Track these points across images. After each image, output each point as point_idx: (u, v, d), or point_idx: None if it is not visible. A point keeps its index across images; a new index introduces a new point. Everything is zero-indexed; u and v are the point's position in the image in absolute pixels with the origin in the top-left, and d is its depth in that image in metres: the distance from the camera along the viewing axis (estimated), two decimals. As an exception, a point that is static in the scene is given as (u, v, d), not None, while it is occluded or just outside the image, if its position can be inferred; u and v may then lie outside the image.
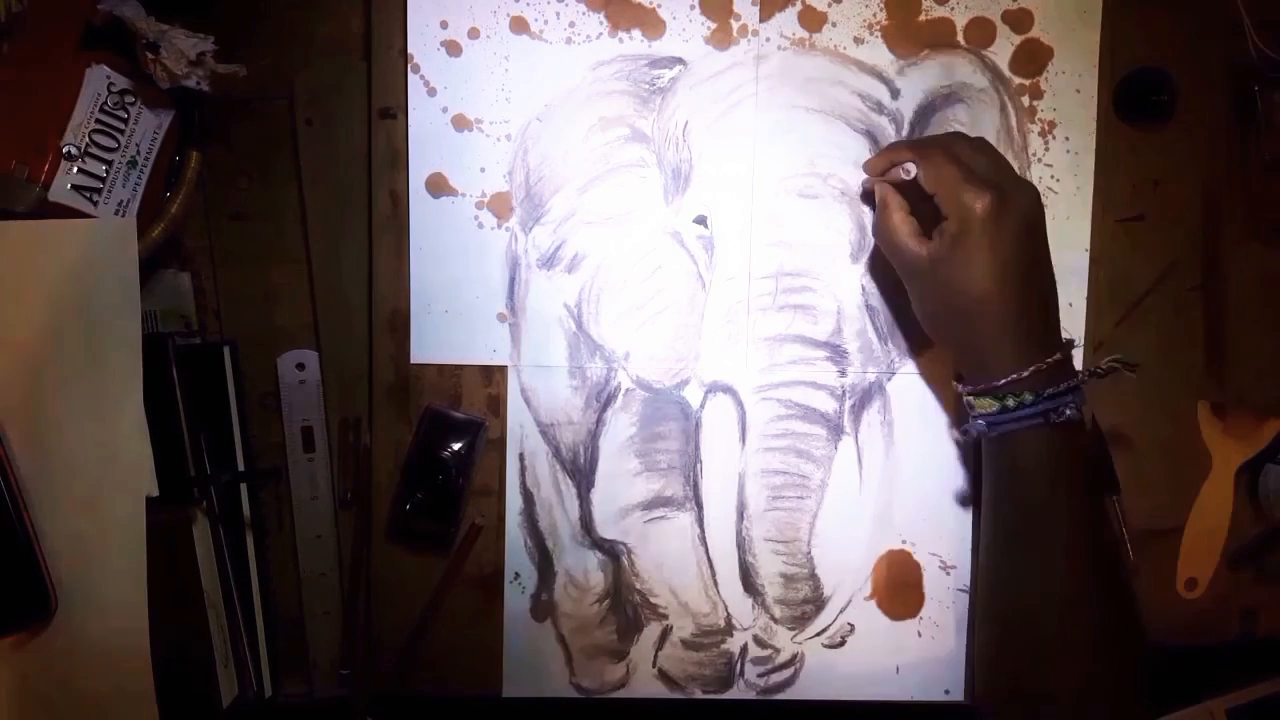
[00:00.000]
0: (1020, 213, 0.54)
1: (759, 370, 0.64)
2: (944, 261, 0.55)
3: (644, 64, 0.63)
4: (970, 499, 0.65)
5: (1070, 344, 0.57)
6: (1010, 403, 0.54)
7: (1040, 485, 0.55)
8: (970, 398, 0.56)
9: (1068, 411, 0.54)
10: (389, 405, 0.64)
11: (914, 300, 0.59)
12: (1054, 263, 0.64)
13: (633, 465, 0.65)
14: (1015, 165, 0.64)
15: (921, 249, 0.56)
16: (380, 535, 0.64)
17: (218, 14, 0.62)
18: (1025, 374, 0.54)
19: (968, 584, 0.66)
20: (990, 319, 0.54)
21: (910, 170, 0.57)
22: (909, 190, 0.58)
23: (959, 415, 0.65)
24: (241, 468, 0.65)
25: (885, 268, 0.62)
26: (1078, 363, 0.64)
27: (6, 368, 0.55)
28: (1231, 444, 0.68)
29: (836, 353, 0.65)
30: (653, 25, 0.63)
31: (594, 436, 0.64)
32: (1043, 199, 0.65)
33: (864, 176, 0.63)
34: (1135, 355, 0.67)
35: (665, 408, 0.64)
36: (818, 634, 0.66)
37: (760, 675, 0.65)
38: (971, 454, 0.65)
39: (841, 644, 0.66)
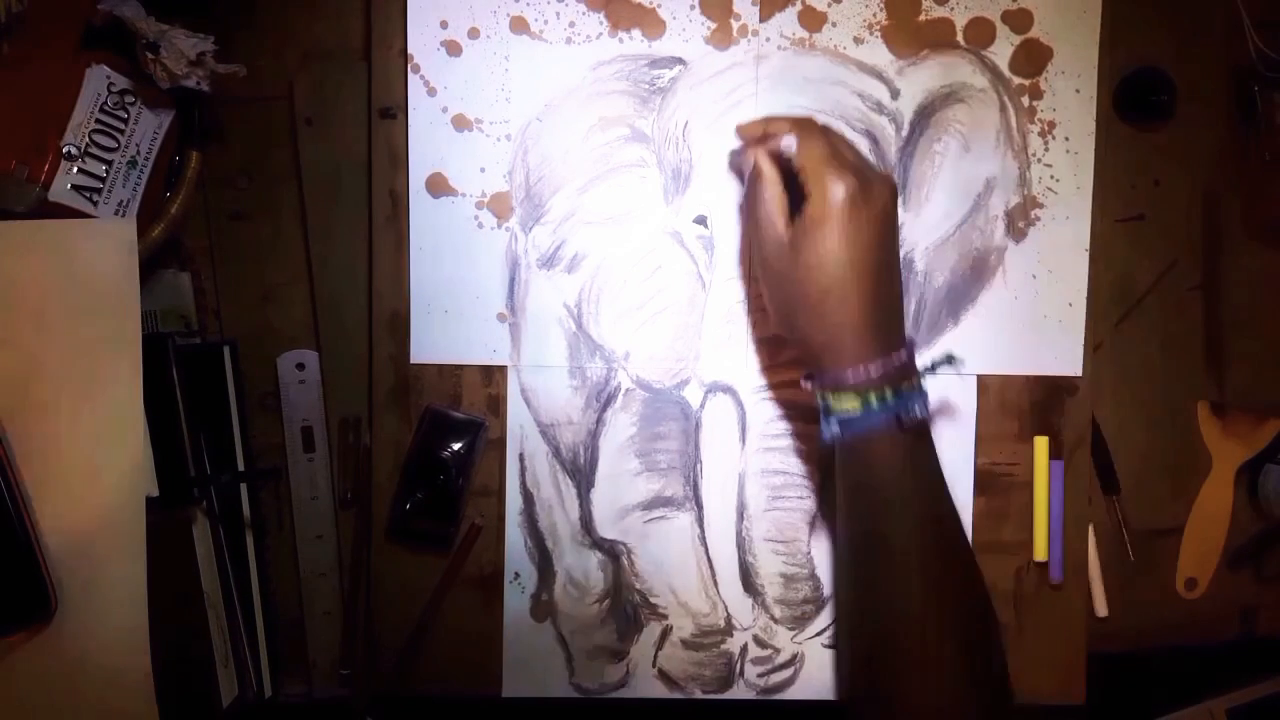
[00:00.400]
0: (880, 203, 0.53)
1: (759, 370, 0.64)
2: (802, 244, 0.53)
3: (644, 64, 0.63)
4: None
5: (912, 342, 0.56)
6: (873, 401, 0.52)
7: (891, 489, 0.53)
8: (829, 396, 0.54)
9: (916, 410, 0.52)
10: (389, 405, 0.64)
11: (769, 287, 0.57)
12: (1054, 262, 0.65)
13: (633, 465, 0.65)
14: (1015, 165, 0.65)
15: (785, 229, 0.55)
16: (380, 535, 0.64)
17: (218, 14, 0.62)
18: (877, 370, 0.52)
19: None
20: (842, 306, 0.53)
21: (791, 145, 0.55)
22: (783, 169, 0.56)
23: (957, 417, 0.65)
24: (241, 468, 0.65)
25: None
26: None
27: (6, 368, 0.55)
28: (1231, 444, 0.68)
29: (836, 353, 0.64)
30: (653, 25, 0.63)
31: (594, 436, 0.64)
32: (1040, 199, 0.65)
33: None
34: (1135, 355, 0.67)
35: (665, 408, 0.64)
36: (818, 634, 0.66)
37: (760, 675, 0.65)
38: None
39: (837, 645, 0.66)
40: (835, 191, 0.52)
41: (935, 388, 0.64)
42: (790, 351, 0.64)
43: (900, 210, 0.64)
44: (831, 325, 0.53)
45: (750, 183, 0.57)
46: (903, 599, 0.53)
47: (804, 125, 0.56)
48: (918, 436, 0.54)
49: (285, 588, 0.66)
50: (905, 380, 0.53)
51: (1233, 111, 0.67)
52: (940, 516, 0.55)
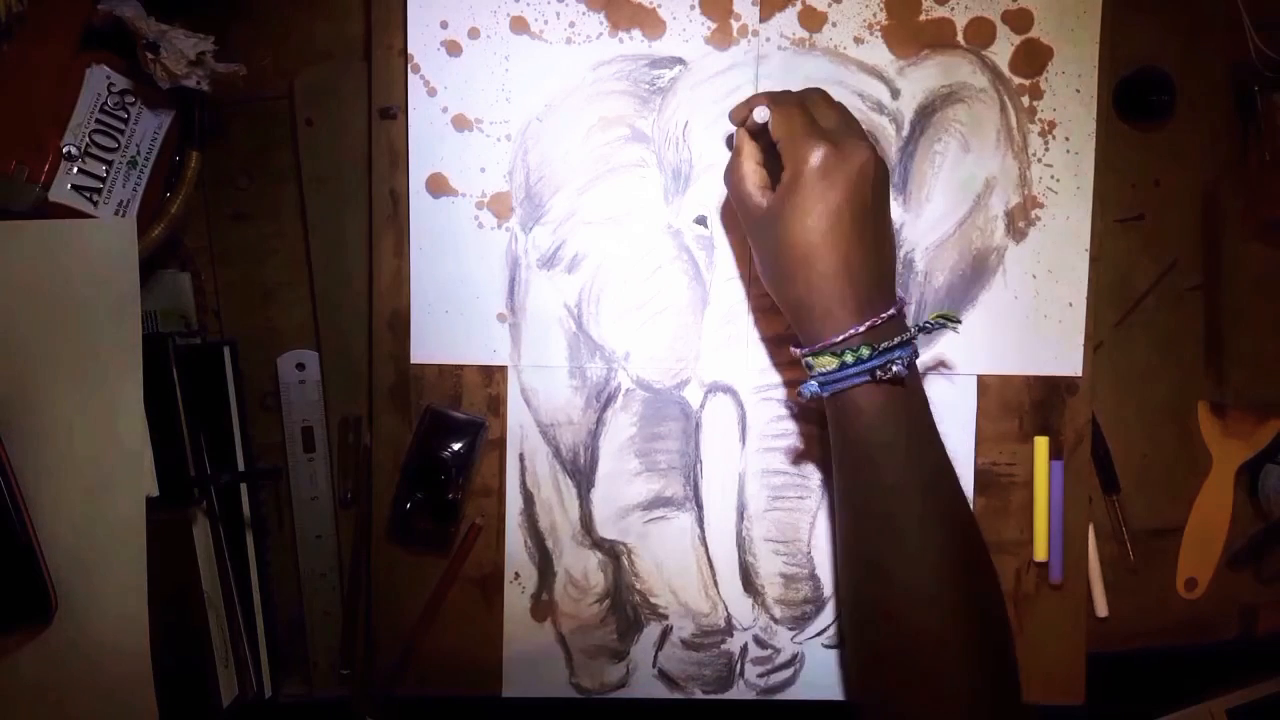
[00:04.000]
0: (855, 164, 0.53)
1: (759, 370, 0.64)
2: (779, 213, 0.54)
3: (644, 64, 0.63)
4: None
5: (903, 301, 0.56)
6: (849, 359, 0.53)
7: (876, 443, 0.54)
8: (810, 358, 0.55)
9: (895, 368, 0.52)
10: (389, 405, 0.64)
11: (756, 257, 0.58)
12: (1054, 262, 0.65)
13: (633, 465, 0.65)
14: (1015, 165, 0.65)
15: (763, 199, 0.56)
16: (380, 535, 0.64)
17: (218, 14, 0.62)
18: (860, 329, 0.53)
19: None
20: (820, 272, 0.53)
21: (763, 115, 0.56)
22: (765, 143, 0.57)
23: (958, 416, 0.65)
24: (241, 468, 0.65)
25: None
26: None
27: (6, 368, 0.55)
28: (1231, 444, 0.68)
29: (836, 353, 0.64)
30: (653, 25, 0.63)
31: (594, 436, 0.64)
32: (1040, 199, 0.65)
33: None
34: (1135, 355, 0.67)
35: (665, 408, 0.64)
36: (818, 634, 0.66)
37: (760, 675, 0.65)
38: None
39: (841, 644, 0.66)
40: (805, 159, 0.53)
41: (932, 391, 0.65)
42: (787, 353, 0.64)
43: (900, 210, 0.64)
44: (811, 289, 0.54)
45: (731, 157, 0.58)
46: (906, 567, 0.53)
47: (779, 98, 0.57)
48: (903, 391, 0.54)
49: (285, 588, 0.66)
50: (887, 338, 0.53)
51: (1233, 111, 0.67)
52: (933, 466, 0.55)
